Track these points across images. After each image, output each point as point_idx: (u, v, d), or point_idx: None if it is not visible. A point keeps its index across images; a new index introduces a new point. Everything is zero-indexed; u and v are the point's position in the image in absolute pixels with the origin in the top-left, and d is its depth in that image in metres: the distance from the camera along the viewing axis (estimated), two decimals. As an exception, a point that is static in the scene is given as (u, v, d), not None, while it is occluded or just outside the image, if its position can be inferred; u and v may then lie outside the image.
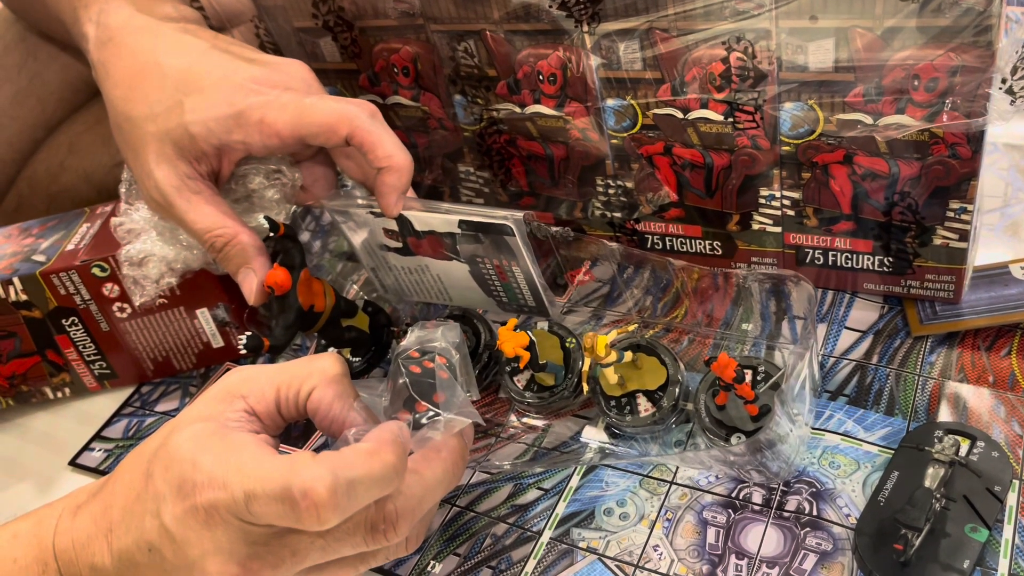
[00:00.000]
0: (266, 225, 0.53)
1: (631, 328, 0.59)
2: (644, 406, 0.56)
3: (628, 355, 0.55)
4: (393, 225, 0.58)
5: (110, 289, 0.64)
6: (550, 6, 0.54)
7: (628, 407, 0.56)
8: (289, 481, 0.38)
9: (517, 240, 0.54)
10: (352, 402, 0.45)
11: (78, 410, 0.69)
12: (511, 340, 0.54)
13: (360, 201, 0.59)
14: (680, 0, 0.51)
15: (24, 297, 0.63)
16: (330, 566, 0.42)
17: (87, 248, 0.64)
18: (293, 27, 0.65)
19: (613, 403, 0.56)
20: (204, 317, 0.66)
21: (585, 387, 0.56)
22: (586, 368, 0.55)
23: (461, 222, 0.55)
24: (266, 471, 0.38)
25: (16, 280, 0.63)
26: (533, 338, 0.55)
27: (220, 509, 0.39)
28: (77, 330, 0.66)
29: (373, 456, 0.40)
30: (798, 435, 0.52)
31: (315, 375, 0.44)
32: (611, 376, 0.55)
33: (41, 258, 0.64)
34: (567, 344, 0.58)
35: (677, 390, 0.55)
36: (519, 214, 0.54)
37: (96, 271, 0.63)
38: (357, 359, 0.63)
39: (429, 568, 0.52)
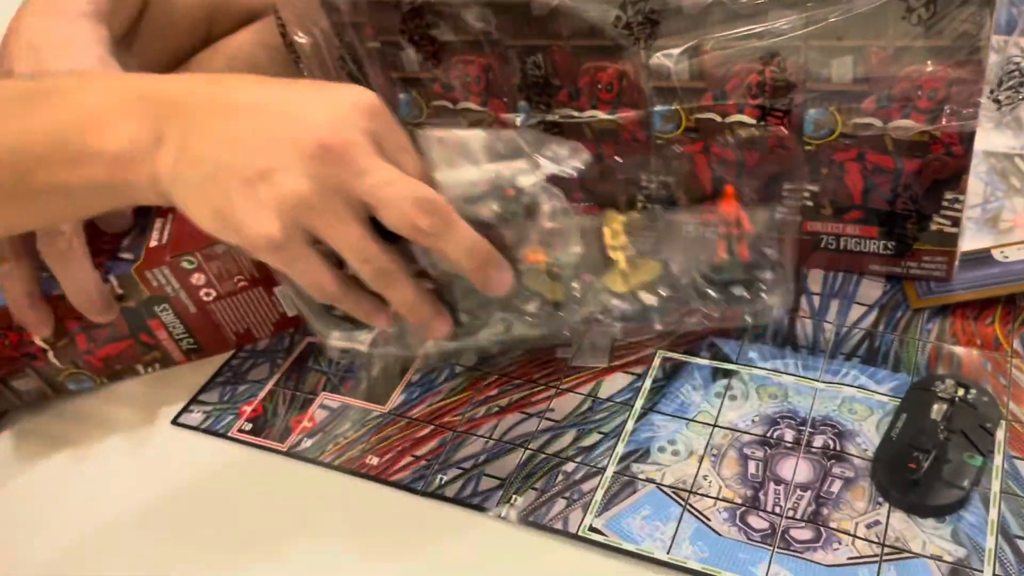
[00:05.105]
0: None
1: (636, 215, 0.63)
2: (649, 300, 0.60)
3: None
4: None
5: (197, 278, 0.71)
6: (615, 26, 0.64)
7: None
8: None
9: None
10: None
11: (169, 380, 0.75)
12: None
13: None
14: (726, 24, 0.61)
15: (120, 292, 0.70)
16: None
17: (171, 244, 0.70)
18: (379, 40, 0.73)
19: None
20: (280, 292, 0.74)
21: (612, 255, 0.59)
22: (608, 239, 0.59)
23: None
24: None
25: (113, 278, 0.69)
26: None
27: None
28: (167, 314, 0.72)
29: None
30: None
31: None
32: (621, 260, 0.59)
33: (128, 255, 0.70)
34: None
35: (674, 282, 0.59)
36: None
37: (185, 264, 0.69)
38: None
39: (512, 501, 0.61)
